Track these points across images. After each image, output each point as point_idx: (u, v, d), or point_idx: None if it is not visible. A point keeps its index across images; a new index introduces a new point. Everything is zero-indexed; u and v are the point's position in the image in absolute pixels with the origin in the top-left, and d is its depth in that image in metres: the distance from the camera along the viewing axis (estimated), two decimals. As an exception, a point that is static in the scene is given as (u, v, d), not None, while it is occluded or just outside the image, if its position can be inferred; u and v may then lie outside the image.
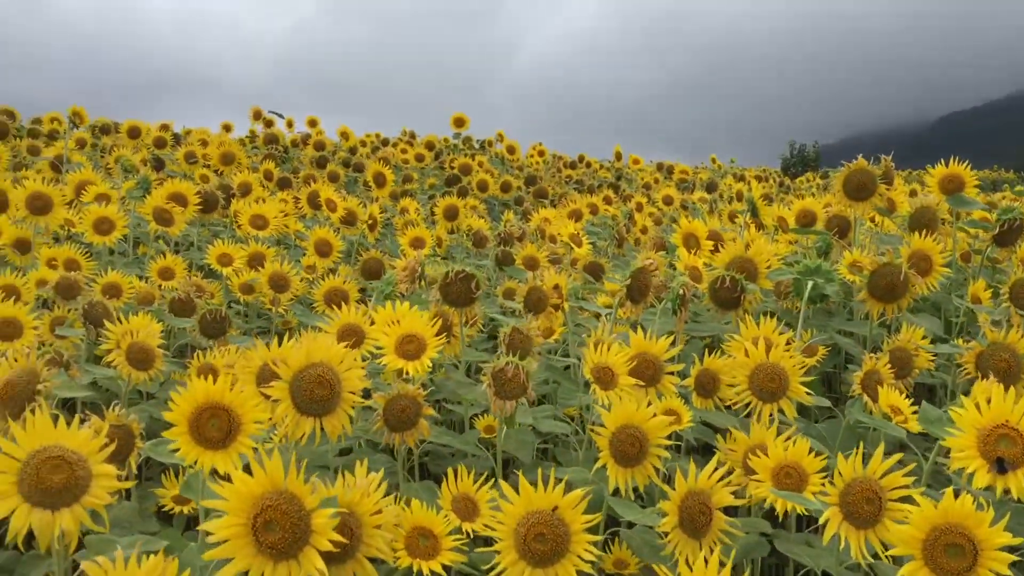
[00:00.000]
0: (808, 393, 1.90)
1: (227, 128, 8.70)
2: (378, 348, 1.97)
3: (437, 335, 1.96)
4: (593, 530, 1.43)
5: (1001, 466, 1.40)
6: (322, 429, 1.53)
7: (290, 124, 9.08)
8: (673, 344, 2.01)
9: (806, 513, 1.63)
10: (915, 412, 1.78)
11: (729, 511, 1.56)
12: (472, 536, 1.57)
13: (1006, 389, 1.43)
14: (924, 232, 2.59)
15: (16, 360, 1.63)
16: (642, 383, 1.92)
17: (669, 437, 1.66)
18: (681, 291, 2.27)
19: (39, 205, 3.30)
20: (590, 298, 2.86)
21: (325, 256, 3.63)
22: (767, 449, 1.69)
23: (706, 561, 1.16)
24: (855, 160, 2.80)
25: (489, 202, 6.78)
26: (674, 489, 1.50)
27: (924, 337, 2.30)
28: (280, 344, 1.60)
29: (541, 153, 9.71)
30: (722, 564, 1.16)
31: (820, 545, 1.69)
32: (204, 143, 6.33)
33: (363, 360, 1.89)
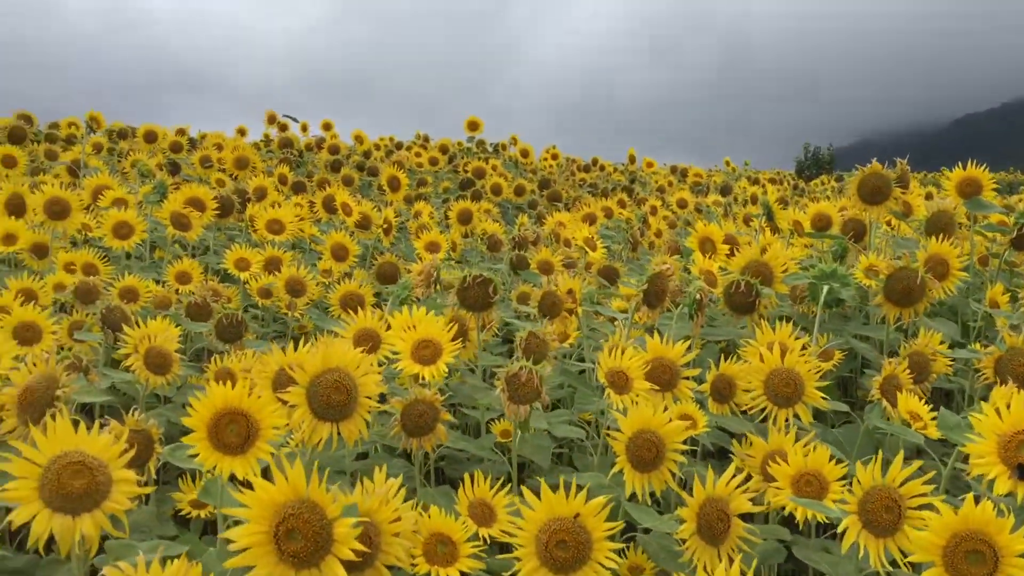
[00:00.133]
0: (824, 398, 1.89)
1: (242, 132, 8.75)
2: (394, 353, 1.97)
3: (453, 340, 1.96)
4: (612, 536, 1.42)
5: (1022, 472, 1.39)
6: (339, 434, 1.54)
7: (304, 128, 9.12)
8: (689, 349, 2.00)
9: (825, 520, 1.62)
10: (934, 418, 1.77)
11: (746, 517, 1.55)
12: (489, 542, 1.57)
13: (1026, 395, 1.42)
14: (941, 236, 2.57)
15: (35, 365, 1.64)
16: (658, 388, 1.92)
17: (685, 442, 1.66)
18: (698, 296, 2.27)
19: (57, 210, 3.34)
20: (604, 302, 2.86)
21: (341, 260, 3.63)
22: (786, 455, 1.68)
23: (729, 564, 1.16)
24: (870, 164, 2.78)
25: (503, 206, 6.79)
26: (692, 496, 1.50)
27: (942, 342, 2.29)
28: (296, 349, 1.60)
29: (555, 156, 9.70)
30: (743, 574, 1.16)
31: (838, 552, 1.68)
32: (219, 147, 6.36)
33: (379, 365, 1.89)
